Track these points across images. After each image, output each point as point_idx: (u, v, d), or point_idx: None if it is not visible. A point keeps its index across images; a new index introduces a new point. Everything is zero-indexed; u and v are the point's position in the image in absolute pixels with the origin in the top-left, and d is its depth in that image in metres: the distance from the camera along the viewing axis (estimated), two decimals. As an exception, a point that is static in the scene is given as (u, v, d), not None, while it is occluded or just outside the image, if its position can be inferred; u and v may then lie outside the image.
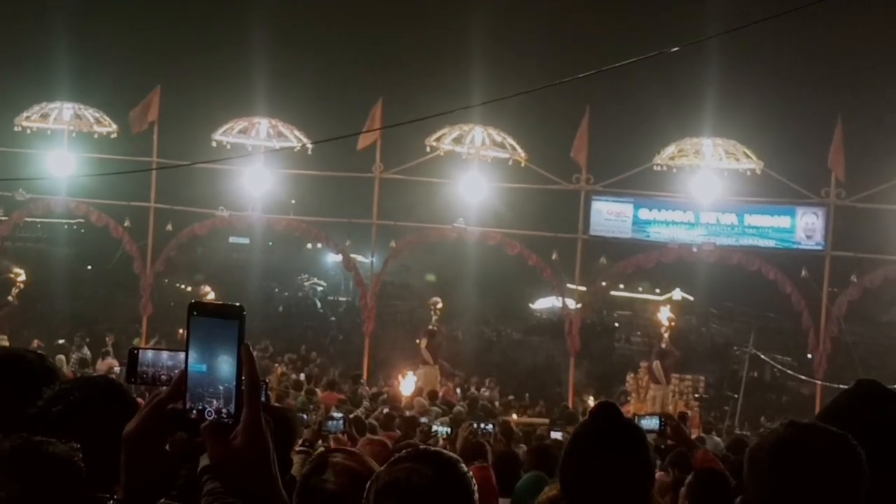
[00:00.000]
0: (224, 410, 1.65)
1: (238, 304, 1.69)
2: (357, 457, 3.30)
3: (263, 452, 1.67)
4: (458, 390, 23.62)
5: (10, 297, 22.65)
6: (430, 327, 23.49)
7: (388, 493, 2.39)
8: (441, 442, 10.89)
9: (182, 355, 2.62)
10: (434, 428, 12.03)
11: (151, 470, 1.72)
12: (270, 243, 45.78)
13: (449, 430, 12.02)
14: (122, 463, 1.72)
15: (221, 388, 1.65)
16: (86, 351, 21.80)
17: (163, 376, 2.58)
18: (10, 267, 23.43)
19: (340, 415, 10.85)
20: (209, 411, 1.65)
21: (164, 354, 2.59)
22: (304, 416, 10.69)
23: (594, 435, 3.00)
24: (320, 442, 8.99)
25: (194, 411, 1.65)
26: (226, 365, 1.65)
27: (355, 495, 2.68)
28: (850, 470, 2.28)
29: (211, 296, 24.02)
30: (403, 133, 22.80)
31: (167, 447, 1.75)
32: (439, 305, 24.00)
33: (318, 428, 9.31)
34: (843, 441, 2.33)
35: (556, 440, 11.87)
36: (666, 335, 22.74)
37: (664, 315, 23.41)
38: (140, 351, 2.53)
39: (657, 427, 5.26)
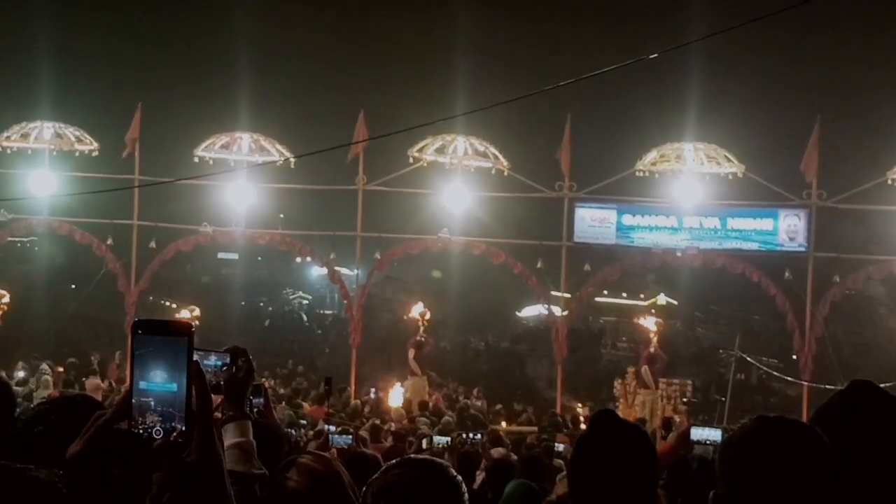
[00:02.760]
0: (174, 427, 1.65)
1: (186, 320, 1.69)
2: (324, 459, 3.34)
3: (217, 469, 1.67)
4: (445, 400, 23.59)
5: None
6: (418, 338, 23.48)
7: (382, 496, 2.43)
8: (445, 454, 10.90)
9: (211, 357, 2.63)
10: (435, 439, 12.06)
11: (98, 492, 1.70)
12: (259, 258, 45.67)
13: (448, 440, 12.05)
14: (67, 485, 1.71)
15: (171, 405, 1.65)
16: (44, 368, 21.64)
17: None
18: None
19: (349, 435, 10.85)
20: (157, 429, 1.64)
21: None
22: (292, 432, 10.67)
23: (597, 442, 3.08)
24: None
25: (141, 430, 1.64)
26: (175, 382, 1.65)
27: (314, 494, 2.76)
28: (818, 462, 2.28)
29: (196, 313, 23.97)
30: (386, 145, 22.82)
31: (116, 468, 1.72)
32: (427, 316, 23.99)
33: (325, 441, 9.32)
34: (811, 433, 2.33)
35: (547, 447, 11.90)
36: (655, 340, 22.79)
37: (651, 321, 23.47)
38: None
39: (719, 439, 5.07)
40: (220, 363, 2.66)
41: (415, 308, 24.23)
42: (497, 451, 10.69)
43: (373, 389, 23.59)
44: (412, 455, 2.68)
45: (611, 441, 3.05)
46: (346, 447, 9.41)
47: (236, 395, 2.76)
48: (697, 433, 4.65)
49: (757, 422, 2.37)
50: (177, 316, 24.12)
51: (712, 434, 5.24)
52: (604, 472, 3.01)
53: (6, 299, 22.96)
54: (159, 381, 1.64)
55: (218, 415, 2.93)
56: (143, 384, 1.65)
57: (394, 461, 2.57)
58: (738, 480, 2.29)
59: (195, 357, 2.39)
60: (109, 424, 1.68)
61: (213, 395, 2.94)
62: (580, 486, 3.08)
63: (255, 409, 6.10)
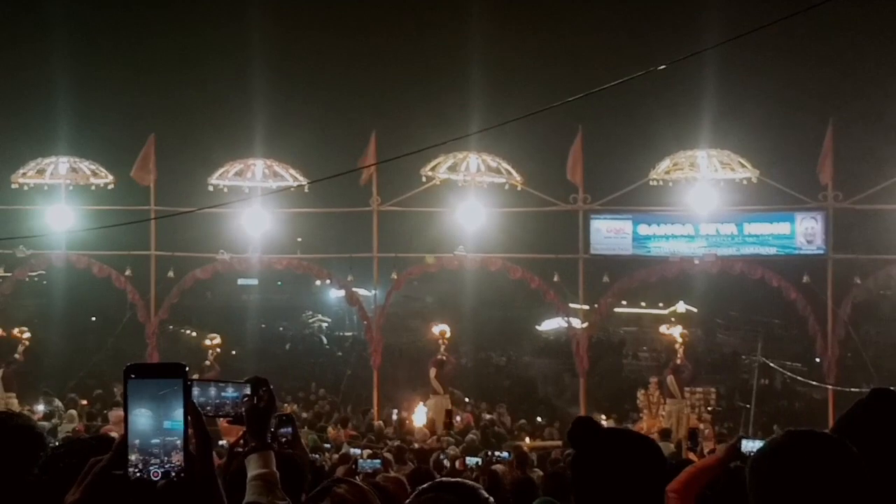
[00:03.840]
0: (173, 468, 1.65)
1: (179, 362, 1.70)
2: (360, 491, 3.32)
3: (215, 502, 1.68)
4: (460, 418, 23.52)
5: (16, 355, 22.67)
6: (439, 357, 23.44)
7: None
8: (474, 473, 10.89)
9: (229, 389, 2.64)
10: (468, 460, 12.05)
11: None
12: (279, 283, 45.79)
13: (479, 460, 12.01)
14: None
15: (169, 446, 1.65)
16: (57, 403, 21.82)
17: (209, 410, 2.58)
18: (16, 328, 23.48)
19: (377, 459, 10.82)
20: (155, 471, 1.65)
21: (213, 389, 2.60)
22: (317, 456, 10.65)
23: (582, 456, 3.10)
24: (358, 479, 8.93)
25: (139, 473, 1.65)
26: (171, 423, 1.66)
27: None
28: (849, 475, 2.28)
29: (216, 341, 24.02)
30: (399, 165, 22.85)
31: None
32: (447, 335, 23.96)
33: (354, 467, 9.28)
34: (841, 447, 2.33)
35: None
36: (680, 350, 22.65)
37: (677, 331, 23.34)
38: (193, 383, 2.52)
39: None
40: (240, 394, 2.66)
41: (435, 328, 24.21)
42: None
43: (395, 410, 23.56)
44: (443, 479, 2.67)
45: (592, 452, 3.06)
46: (373, 471, 9.37)
47: (258, 425, 2.75)
48: (748, 445, 4.59)
49: (787, 436, 2.37)
50: (210, 340, 24.21)
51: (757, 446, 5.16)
52: (596, 482, 3.01)
53: (27, 335, 23.08)
54: (155, 423, 1.65)
55: (239, 447, 2.92)
56: (139, 427, 1.66)
57: (426, 485, 2.56)
58: (770, 495, 2.29)
59: (213, 389, 2.40)
60: (106, 470, 1.68)
61: (235, 426, 2.95)
62: (581, 499, 3.10)
63: (284, 440, 6.09)
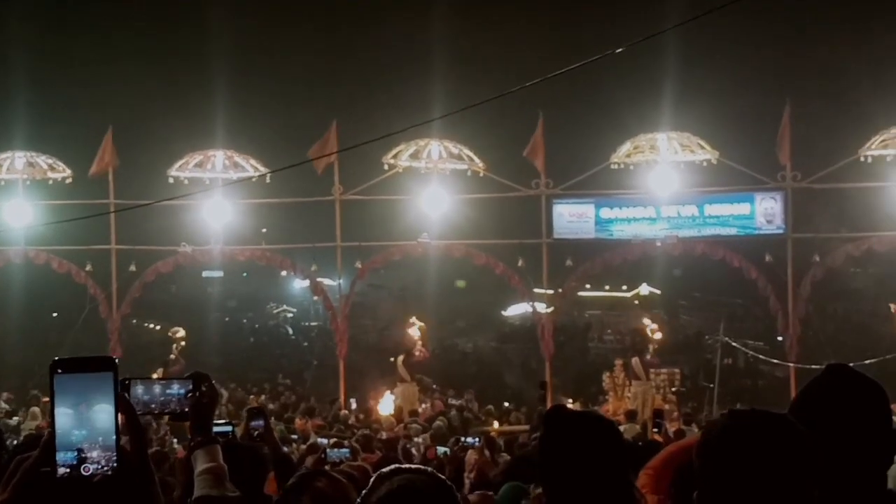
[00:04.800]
0: (104, 465, 1.63)
1: (108, 355, 1.68)
2: (339, 484, 3.31)
3: (156, 499, 1.68)
4: (432, 404, 23.55)
5: None
6: (416, 352, 23.34)
7: (390, 501, 2.43)
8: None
9: (174, 385, 2.64)
10: (439, 449, 12.08)
11: None
12: (245, 274, 45.52)
13: (447, 450, 12.03)
14: None
15: (99, 441, 1.63)
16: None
17: (140, 411, 2.59)
18: None
19: (346, 446, 10.82)
20: (86, 467, 1.63)
21: (157, 387, 2.61)
22: (285, 448, 10.60)
23: (551, 437, 3.15)
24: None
25: (68, 470, 1.63)
26: (102, 416, 1.63)
27: None
28: (794, 453, 2.27)
29: (180, 334, 23.81)
30: (361, 153, 22.76)
31: None
32: (425, 331, 23.82)
33: (323, 456, 9.27)
34: (784, 424, 2.32)
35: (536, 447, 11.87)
36: (651, 343, 22.79)
37: (649, 325, 23.48)
38: (131, 382, 2.52)
39: None
40: (184, 391, 2.67)
41: (410, 328, 23.97)
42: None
43: (352, 400, 23.41)
44: (404, 465, 2.67)
45: (564, 436, 3.11)
46: (342, 460, 9.36)
47: (202, 420, 2.76)
48: None
49: (729, 418, 2.36)
50: (173, 333, 23.98)
51: None
52: (565, 466, 3.07)
53: None
54: (85, 419, 1.63)
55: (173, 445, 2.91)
56: (67, 424, 1.63)
57: (385, 470, 2.56)
58: (718, 477, 2.28)
59: (157, 387, 2.38)
60: (34, 468, 1.65)
61: (181, 423, 2.95)
62: (548, 484, 3.15)
63: (256, 432, 6.06)
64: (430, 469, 2.61)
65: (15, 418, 19.56)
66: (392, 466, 2.59)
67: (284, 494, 3.23)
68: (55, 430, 1.64)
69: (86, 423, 1.64)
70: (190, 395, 2.69)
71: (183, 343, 23.55)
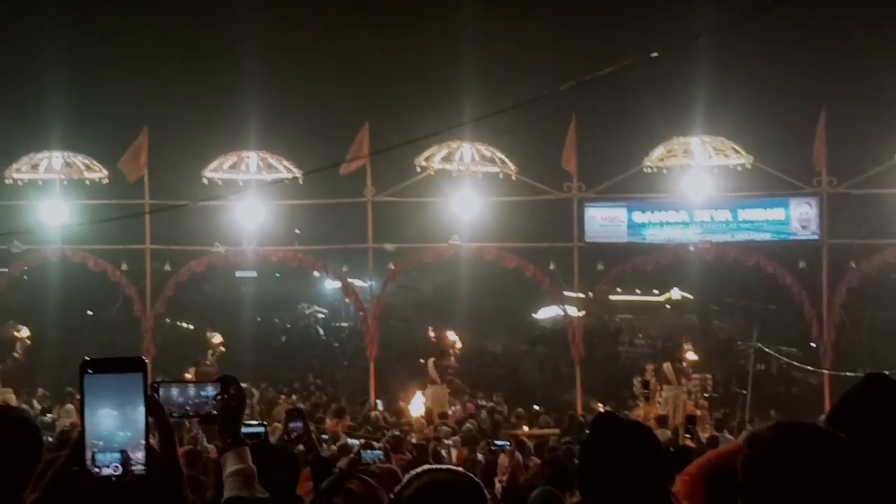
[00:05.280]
0: (134, 463, 1.63)
1: (138, 356, 1.68)
2: (371, 486, 3.34)
3: (184, 499, 1.68)
4: (463, 407, 23.52)
5: (15, 354, 22.52)
6: (444, 350, 23.33)
7: (421, 499, 2.47)
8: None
9: (203, 388, 2.66)
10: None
11: None
12: (278, 275, 45.69)
13: (483, 457, 12.00)
14: None
15: (129, 441, 1.63)
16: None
17: (174, 413, 2.61)
18: (14, 325, 23.27)
19: (379, 448, 10.84)
20: (115, 466, 1.62)
21: (187, 389, 2.63)
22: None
23: (599, 444, 3.14)
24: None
25: (99, 469, 1.63)
26: (132, 417, 1.63)
27: None
28: (840, 467, 2.25)
29: (217, 339, 23.80)
30: (393, 155, 22.82)
31: None
32: (458, 345, 23.69)
33: (357, 457, 9.29)
34: (830, 438, 2.30)
35: (568, 450, 11.82)
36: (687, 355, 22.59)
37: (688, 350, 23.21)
38: (161, 385, 2.55)
39: None
40: (212, 393, 2.69)
41: (449, 335, 23.85)
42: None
43: (378, 401, 23.39)
44: (434, 465, 2.71)
45: (613, 443, 3.09)
46: (375, 462, 9.35)
47: (231, 423, 2.79)
48: None
49: (776, 431, 2.34)
50: (210, 338, 24.01)
51: None
52: (610, 474, 3.05)
53: (24, 332, 22.94)
54: (115, 418, 1.63)
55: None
56: (97, 423, 1.63)
57: (418, 470, 2.61)
58: (764, 492, 2.26)
59: (192, 389, 2.39)
60: (65, 469, 1.66)
61: (210, 425, 2.98)
62: (589, 490, 3.13)
63: (294, 434, 6.08)
64: (461, 469, 2.63)
65: (49, 415, 19.76)
66: (425, 466, 2.64)
67: (318, 496, 3.25)
68: (84, 429, 1.64)
69: (115, 424, 1.64)
70: (219, 397, 2.71)
71: (222, 349, 23.41)
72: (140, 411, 1.64)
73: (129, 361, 1.67)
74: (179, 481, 1.71)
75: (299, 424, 6.10)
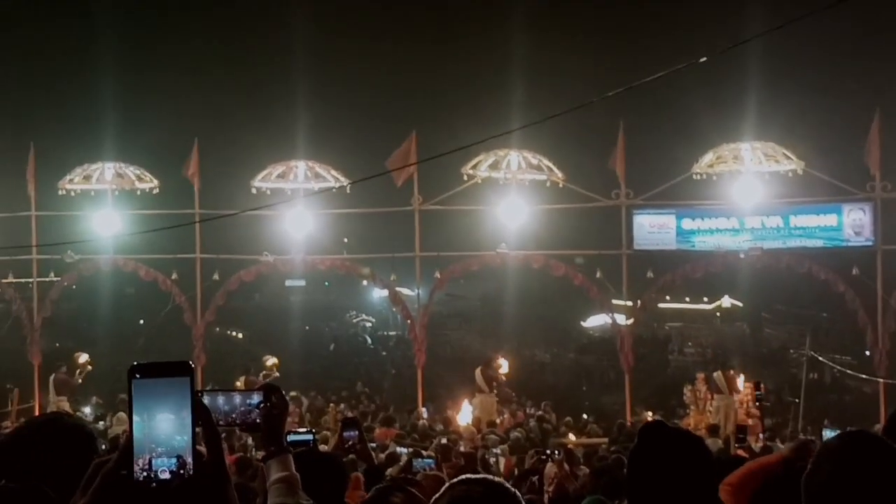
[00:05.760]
0: (182, 469, 1.64)
1: (185, 360, 1.69)
2: (415, 499, 3.32)
3: (227, 502, 1.69)
4: (511, 415, 23.43)
5: (77, 379, 22.70)
6: (496, 364, 23.16)
7: None
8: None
9: (240, 396, 2.70)
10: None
11: None
12: (326, 283, 45.96)
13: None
14: None
15: (177, 446, 1.64)
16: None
17: (220, 421, 2.66)
18: (77, 355, 23.36)
19: (430, 456, 10.83)
20: (163, 469, 1.64)
21: (231, 398, 2.67)
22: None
23: (647, 453, 3.10)
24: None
25: (147, 475, 1.64)
26: (179, 423, 1.64)
27: None
28: None
29: (271, 362, 23.71)
30: (440, 163, 22.84)
31: None
32: (502, 369, 23.29)
33: (408, 465, 9.28)
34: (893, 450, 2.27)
35: (617, 459, 11.72)
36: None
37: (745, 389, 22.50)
38: (203, 393, 2.59)
39: None
40: (255, 402, 2.73)
41: (501, 362, 23.53)
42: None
43: (423, 408, 23.34)
44: (472, 475, 2.72)
45: (662, 452, 3.05)
46: (426, 470, 9.34)
47: (274, 430, 2.82)
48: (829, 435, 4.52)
49: (842, 441, 2.30)
50: (264, 361, 24.01)
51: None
52: (659, 483, 3.01)
53: (84, 358, 23.10)
54: (162, 423, 1.64)
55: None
56: (144, 428, 1.65)
57: (451, 482, 2.62)
58: (828, 498, 2.23)
59: (237, 398, 2.41)
60: (113, 473, 1.67)
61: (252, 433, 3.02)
62: (637, 499, 3.10)
63: (350, 443, 6.08)
64: (497, 479, 2.64)
65: (101, 423, 20.03)
66: (461, 476, 2.64)
67: None
68: (132, 434, 1.66)
69: (163, 428, 1.66)
70: (261, 406, 2.74)
71: (276, 374, 23.25)
72: (188, 415, 1.66)
73: (175, 366, 1.69)
74: (227, 486, 1.72)
75: (354, 433, 6.11)
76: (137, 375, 1.68)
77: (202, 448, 1.73)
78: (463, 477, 2.61)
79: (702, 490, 3.01)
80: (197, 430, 1.69)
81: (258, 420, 2.73)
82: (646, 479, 3.05)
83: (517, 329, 38.47)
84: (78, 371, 22.57)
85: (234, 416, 2.73)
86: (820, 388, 31.84)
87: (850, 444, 2.30)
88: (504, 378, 23.32)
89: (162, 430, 1.65)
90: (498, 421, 21.46)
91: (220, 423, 2.76)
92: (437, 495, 2.57)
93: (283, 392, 2.87)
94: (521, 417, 22.61)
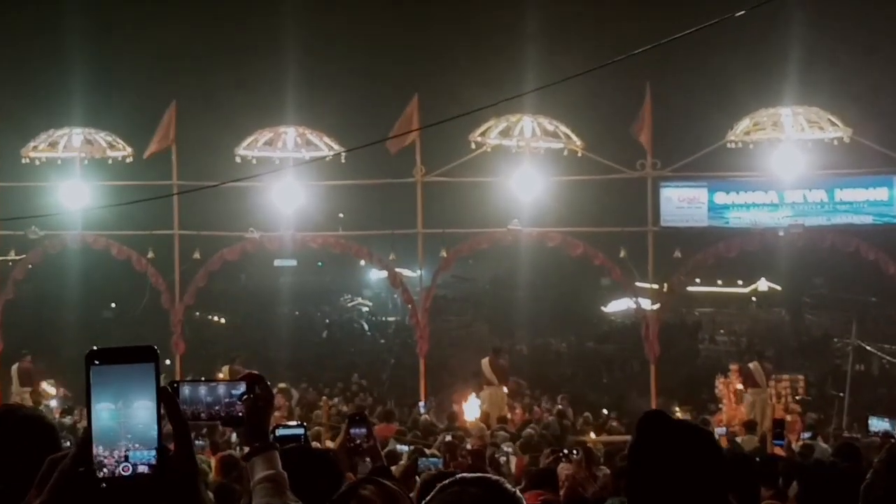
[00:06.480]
0: (145, 464, 1.64)
1: (149, 344, 1.68)
2: (388, 491, 3.35)
3: (195, 495, 1.72)
4: (526, 410, 23.49)
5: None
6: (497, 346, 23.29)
7: None
8: None
9: (223, 387, 2.69)
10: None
11: None
12: (320, 263, 46.01)
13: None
14: None
15: (140, 438, 1.64)
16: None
17: (202, 414, 2.65)
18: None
19: (437, 455, 10.86)
20: (125, 465, 1.63)
21: (208, 389, 2.66)
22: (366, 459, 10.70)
23: (646, 447, 3.10)
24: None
25: (107, 470, 1.64)
26: (142, 412, 1.65)
27: None
28: None
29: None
30: (445, 130, 22.78)
31: None
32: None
33: (414, 464, 9.32)
34: None
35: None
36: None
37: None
38: (179, 385, 2.58)
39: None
40: (237, 393, 2.71)
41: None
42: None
43: (421, 403, 23.38)
44: (465, 474, 2.73)
45: (662, 445, 3.04)
46: (435, 470, 9.36)
47: (258, 425, 2.80)
48: (876, 424, 4.56)
49: None
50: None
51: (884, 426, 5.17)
52: (659, 480, 2.99)
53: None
54: (123, 414, 1.64)
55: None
56: (105, 420, 1.64)
57: (448, 481, 2.62)
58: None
59: (221, 388, 2.41)
60: (71, 469, 1.68)
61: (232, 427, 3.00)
62: (636, 498, 3.08)
63: (357, 441, 6.06)
64: (495, 478, 2.65)
65: (69, 417, 20.09)
66: (457, 476, 2.64)
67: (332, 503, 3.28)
68: (91, 426, 1.65)
69: (125, 420, 1.65)
70: (244, 398, 2.72)
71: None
72: (151, 406, 1.65)
73: (139, 351, 1.68)
74: (194, 481, 1.72)
75: (363, 430, 6.08)
76: (97, 362, 1.67)
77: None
78: (459, 477, 2.61)
79: (709, 489, 2.98)
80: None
81: (240, 413, 2.72)
82: (646, 475, 3.03)
83: (530, 315, 38.51)
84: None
85: (217, 408, 2.72)
86: (867, 381, 31.86)
87: None
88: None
89: (123, 422, 1.65)
90: (509, 416, 21.51)
91: (203, 416, 2.75)
92: (429, 497, 2.58)
93: (269, 383, 2.86)
94: (538, 413, 22.63)
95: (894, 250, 22.82)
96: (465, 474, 2.66)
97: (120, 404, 1.65)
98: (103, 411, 1.66)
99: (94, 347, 1.69)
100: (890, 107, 26.92)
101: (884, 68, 34.60)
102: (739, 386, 22.23)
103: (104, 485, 1.65)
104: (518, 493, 2.60)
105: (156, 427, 1.66)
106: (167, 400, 1.71)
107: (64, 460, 1.71)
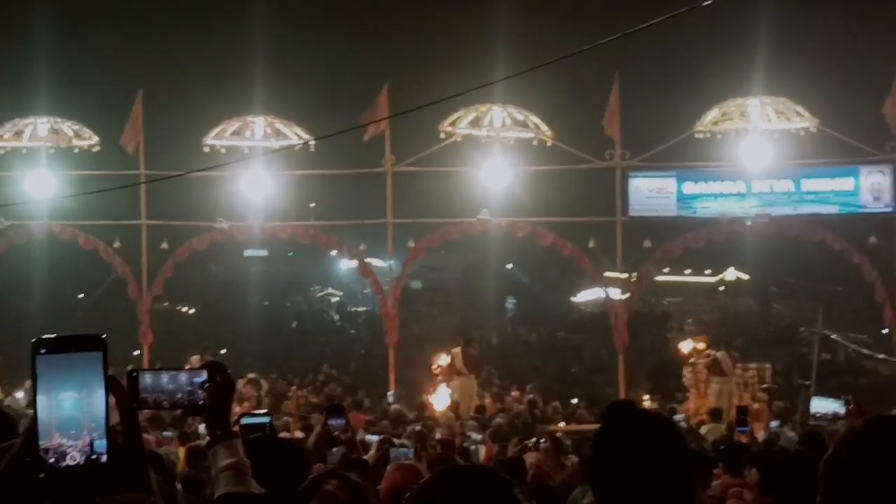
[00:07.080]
0: (92, 453, 1.64)
1: (98, 333, 1.68)
2: (353, 486, 3.31)
3: (145, 483, 1.72)
4: (497, 400, 23.54)
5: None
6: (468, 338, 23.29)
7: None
8: None
9: (184, 376, 2.69)
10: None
11: None
12: (291, 253, 45.77)
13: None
14: None
15: (88, 426, 1.64)
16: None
17: (164, 402, 2.65)
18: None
19: (400, 442, 10.85)
20: (73, 455, 1.63)
21: (169, 378, 2.66)
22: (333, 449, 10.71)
23: (610, 437, 3.10)
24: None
25: (53, 459, 1.64)
26: (90, 401, 1.64)
27: None
28: None
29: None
30: (415, 120, 22.75)
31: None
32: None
33: (384, 455, 9.32)
34: None
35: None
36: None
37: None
38: (139, 373, 2.58)
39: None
40: (198, 382, 2.71)
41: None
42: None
43: (390, 393, 23.33)
44: (452, 466, 2.71)
45: (627, 435, 3.05)
46: (406, 461, 9.37)
47: (219, 413, 2.81)
48: (818, 405, 4.61)
49: (865, 426, 2.33)
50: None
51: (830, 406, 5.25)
52: (623, 470, 2.99)
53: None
54: (71, 403, 1.64)
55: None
56: (51, 409, 1.64)
57: (430, 475, 2.61)
58: (846, 488, 2.25)
59: (183, 376, 2.42)
60: (17, 459, 1.67)
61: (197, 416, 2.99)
62: (601, 488, 3.09)
63: (336, 433, 6.05)
64: (482, 467, 2.62)
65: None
66: (440, 469, 2.63)
67: (294, 498, 3.25)
68: (37, 415, 1.65)
69: (72, 409, 1.65)
70: (206, 386, 2.72)
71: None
72: (100, 394, 1.65)
73: (86, 339, 1.67)
74: (144, 469, 1.73)
75: (341, 422, 6.08)
76: (43, 350, 1.66)
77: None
78: (442, 469, 2.60)
79: (672, 479, 2.99)
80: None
81: (201, 402, 2.72)
82: (610, 465, 3.04)
83: (500, 304, 38.57)
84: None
85: (179, 396, 2.72)
86: (833, 370, 32.13)
87: (872, 428, 2.32)
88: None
89: (70, 412, 1.65)
90: (485, 405, 21.56)
91: (165, 404, 2.76)
92: (410, 492, 2.53)
93: (239, 373, 2.86)
94: (510, 403, 22.69)
95: (860, 240, 23.04)
96: (451, 466, 2.64)
97: (84, 393, 1.65)
98: (66, 400, 1.65)
99: (42, 336, 1.69)
100: (856, 98, 27.11)
101: (850, 60, 34.85)
102: (703, 361, 22.29)
103: (88, 469, 1.65)
104: (512, 481, 2.55)
105: (104, 416, 1.66)
106: (117, 389, 1.71)
107: (11, 450, 1.70)
